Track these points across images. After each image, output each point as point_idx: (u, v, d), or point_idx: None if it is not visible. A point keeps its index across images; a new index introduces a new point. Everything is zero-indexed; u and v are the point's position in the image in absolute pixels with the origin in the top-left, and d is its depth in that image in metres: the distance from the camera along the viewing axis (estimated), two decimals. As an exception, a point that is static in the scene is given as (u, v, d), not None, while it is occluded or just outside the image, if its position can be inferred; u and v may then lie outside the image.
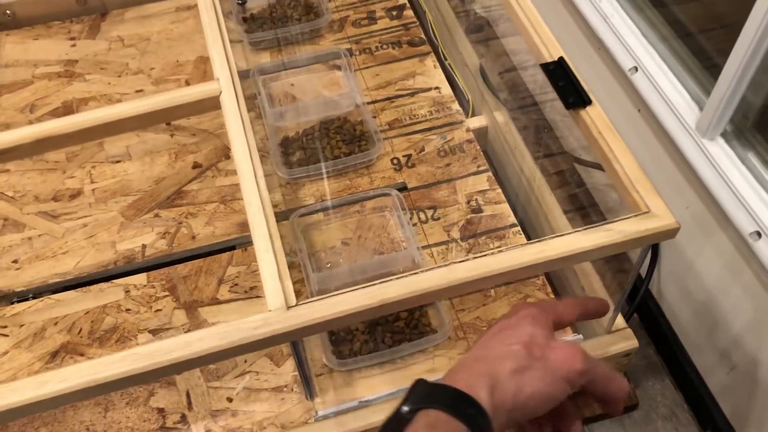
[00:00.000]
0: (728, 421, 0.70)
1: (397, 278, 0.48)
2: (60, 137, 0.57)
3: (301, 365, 0.57)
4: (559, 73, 0.60)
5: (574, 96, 0.59)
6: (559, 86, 0.60)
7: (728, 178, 0.62)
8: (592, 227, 0.51)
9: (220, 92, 0.59)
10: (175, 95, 0.60)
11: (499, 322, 0.46)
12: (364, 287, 0.48)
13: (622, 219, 0.52)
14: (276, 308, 0.47)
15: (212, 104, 0.60)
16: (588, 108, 0.58)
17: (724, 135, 0.65)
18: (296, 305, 0.48)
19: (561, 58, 0.61)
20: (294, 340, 0.49)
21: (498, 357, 0.43)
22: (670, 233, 0.51)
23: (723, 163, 0.63)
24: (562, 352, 0.44)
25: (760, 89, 0.62)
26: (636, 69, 0.71)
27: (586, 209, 0.77)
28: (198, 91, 0.60)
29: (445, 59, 0.93)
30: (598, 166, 0.73)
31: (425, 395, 0.41)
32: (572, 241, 0.50)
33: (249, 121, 0.58)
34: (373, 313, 0.48)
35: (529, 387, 0.42)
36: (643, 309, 0.79)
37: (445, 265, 0.49)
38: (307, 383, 0.63)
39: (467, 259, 0.49)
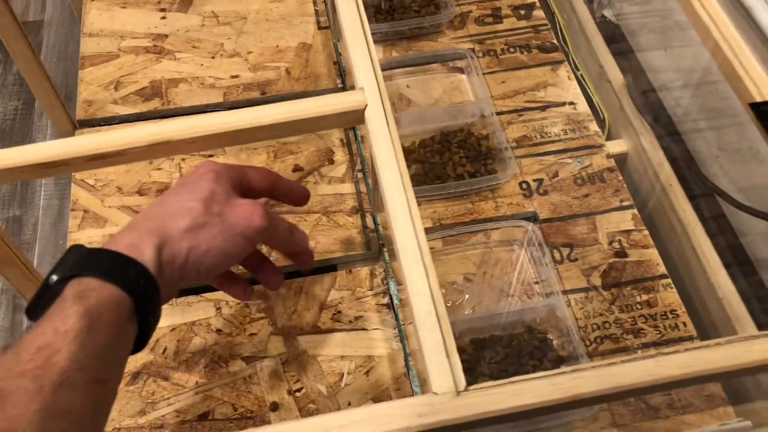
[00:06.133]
0: None
1: (593, 368, 0.39)
2: (178, 142, 0.48)
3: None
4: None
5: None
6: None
7: None
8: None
9: (365, 105, 0.50)
10: (312, 104, 0.50)
11: (180, 179, 0.47)
12: (550, 375, 0.39)
13: None
14: (443, 392, 0.39)
15: (355, 118, 0.51)
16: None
17: None
18: (467, 390, 0.39)
19: (776, 98, 0.51)
20: None
21: (172, 214, 0.42)
22: None
23: None
24: (242, 209, 0.44)
25: None
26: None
27: (750, 264, 0.67)
28: (339, 101, 0.50)
29: (577, 69, 0.82)
30: (764, 216, 0.64)
31: (78, 262, 0.38)
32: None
33: (400, 145, 0.49)
34: (562, 406, 0.39)
35: (204, 244, 0.42)
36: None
37: (652, 357, 0.39)
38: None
39: (682, 350, 0.39)
